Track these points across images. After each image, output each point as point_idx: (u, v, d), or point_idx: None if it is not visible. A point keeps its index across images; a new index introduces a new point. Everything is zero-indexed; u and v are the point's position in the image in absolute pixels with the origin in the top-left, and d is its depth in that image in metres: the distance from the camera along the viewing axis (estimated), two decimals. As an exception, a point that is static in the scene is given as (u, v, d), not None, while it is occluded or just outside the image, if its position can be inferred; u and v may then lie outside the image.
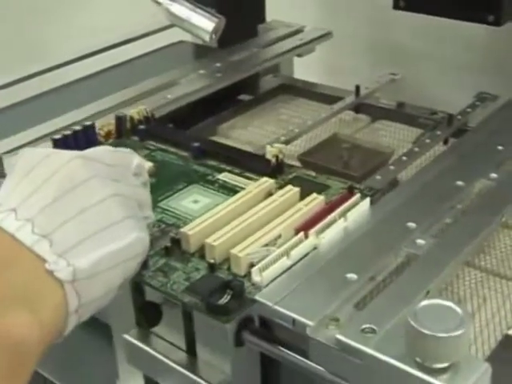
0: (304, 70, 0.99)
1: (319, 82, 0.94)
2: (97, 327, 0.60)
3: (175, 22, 0.80)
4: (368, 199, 0.58)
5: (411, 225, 0.54)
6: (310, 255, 0.52)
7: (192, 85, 0.82)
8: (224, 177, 0.64)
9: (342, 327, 0.45)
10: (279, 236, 0.53)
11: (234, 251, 0.51)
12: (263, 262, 0.50)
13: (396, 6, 0.74)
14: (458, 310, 0.41)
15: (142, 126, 0.72)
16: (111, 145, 0.70)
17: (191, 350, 0.53)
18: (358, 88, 0.81)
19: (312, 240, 0.53)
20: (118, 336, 0.57)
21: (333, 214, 0.55)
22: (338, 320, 0.45)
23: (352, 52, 1.12)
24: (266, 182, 0.60)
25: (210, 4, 0.92)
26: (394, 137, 0.79)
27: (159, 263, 0.53)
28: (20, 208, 0.43)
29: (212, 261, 0.52)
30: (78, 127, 0.68)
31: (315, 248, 0.53)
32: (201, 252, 0.53)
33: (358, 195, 0.58)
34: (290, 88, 0.92)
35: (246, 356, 0.50)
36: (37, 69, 0.88)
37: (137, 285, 0.54)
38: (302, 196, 0.58)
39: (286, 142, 0.73)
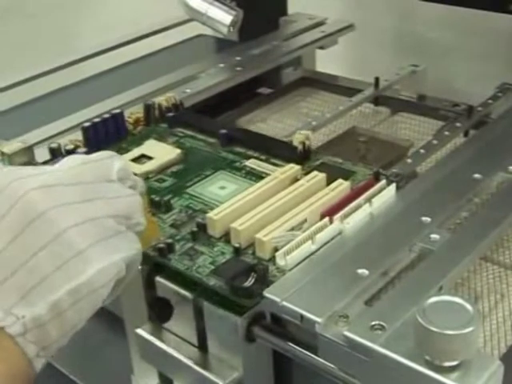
0: (327, 62, 0.98)
1: (342, 74, 0.93)
2: (112, 321, 0.60)
3: (193, 15, 0.80)
4: (394, 185, 0.58)
5: (426, 219, 0.53)
6: (334, 240, 0.53)
7: (212, 79, 0.82)
8: (251, 163, 0.65)
9: (351, 324, 0.44)
10: (305, 221, 0.54)
11: (258, 236, 0.52)
12: (287, 247, 0.51)
13: None
14: (468, 306, 0.40)
15: (170, 114, 0.73)
16: (140, 132, 0.72)
17: (203, 346, 0.53)
18: (377, 80, 0.79)
19: (337, 225, 0.53)
20: (131, 331, 0.57)
21: (358, 200, 0.55)
22: (347, 316, 0.45)
23: (376, 44, 1.11)
24: (293, 168, 0.61)
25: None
26: (414, 129, 0.78)
27: (185, 247, 0.54)
28: None
29: (237, 245, 0.53)
30: (107, 115, 0.69)
31: (340, 233, 0.53)
32: (226, 237, 0.54)
33: (383, 181, 0.58)
34: (310, 81, 0.91)
35: (257, 352, 0.50)
36: (59, 62, 0.89)
37: (149, 281, 0.54)
38: (328, 182, 0.58)
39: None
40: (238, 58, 0.86)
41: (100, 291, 0.42)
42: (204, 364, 0.52)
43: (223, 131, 0.68)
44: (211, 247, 0.54)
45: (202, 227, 0.55)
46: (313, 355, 0.46)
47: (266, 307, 0.48)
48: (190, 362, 0.52)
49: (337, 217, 0.53)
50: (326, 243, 0.52)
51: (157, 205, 0.59)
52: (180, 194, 0.61)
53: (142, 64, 0.93)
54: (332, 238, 0.52)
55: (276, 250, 0.51)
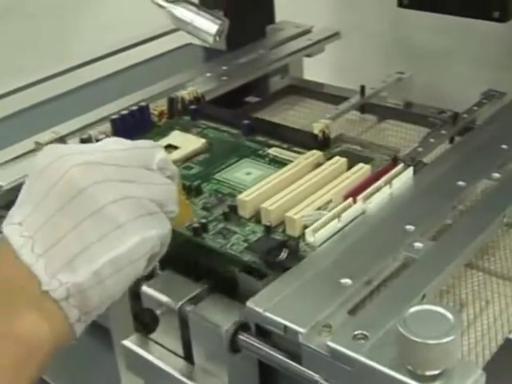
0: (316, 70, 0.98)
1: (331, 82, 0.93)
2: (100, 332, 0.61)
3: (179, 25, 0.80)
4: (411, 168, 0.61)
5: (410, 227, 0.53)
6: (358, 219, 0.56)
7: (199, 88, 0.81)
8: (274, 151, 0.68)
9: (334, 334, 0.44)
10: (329, 201, 0.57)
11: (289, 214, 0.55)
12: (316, 224, 0.54)
13: (400, 4, 0.74)
14: (449, 315, 0.40)
15: (193, 106, 0.76)
16: (164, 125, 0.75)
17: (188, 357, 0.53)
18: (362, 88, 0.80)
19: (360, 205, 0.56)
20: (118, 342, 0.57)
21: (379, 182, 0.59)
22: (330, 326, 0.45)
23: (363, 51, 1.11)
24: (315, 154, 0.64)
25: (219, 6, 0.92)
26: (401, 137, 0.78)
27: (218, 227, 0.57)
28: (25, 223, 0.44)
29: (268, 224, 0.56)
30: (134, 107, 0.73)
31: (363, 212, 0.56)
32: (256, 217, 0.57)
33: (401, 165, 0.61)
34: (297, 89, 0.92)
35: (242, 362, 0.50)
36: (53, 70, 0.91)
37: (134, 291, 0.54)
38: (348, 167, 0.62)
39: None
40: (225, 68, 0.86)
41: (137, 263, 0.45)
42: (190, 375, 0.52)
43: (246, 122, 0.72)
44: (242, 227, 0.57)
45: (233, 209, 0.58)
46: (297, 365, 0.46)
47: (249, 318, 0.48)
48: (175, 373, 0.52)
49: (360, 197, 0.57)
50: (350, 221, 0.55)
51: (187, 189, 0.61)
52: (208, 180, 0.64)
53: (128, 74, 0.93)
54: (356, 217, 0.56)
55: (305, 227, 0.54)
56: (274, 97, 0.90)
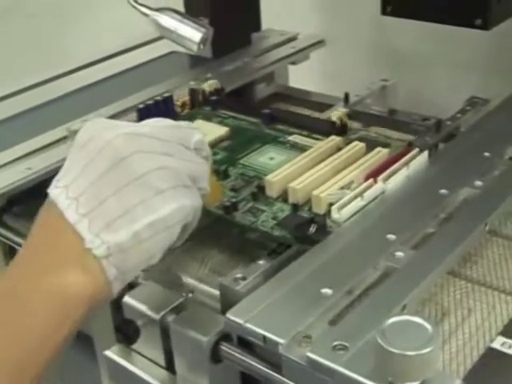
0: (301, 77, 0.98)
1: (316, 89, 0.93)
2: (82, 341, 0.60)
3: (163, 33, 0.80)
4: (426, 152, 0.65)
5: (391, 236, 0.54)
6: (378, 198, 0.60)
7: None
8: (294, 138, 0.71)
9: (313, 344, 0.44)
10: (352, 182, 0.61)
11: (315, 193, 0.59)
12: (341, 202, 0.58)
13: (384, 12, 0.73)
14: (427, 325, 0.40)
15: (213, 97, 0.80)
16: (187, 114, 0.78)
17: (170, 367, 0.53)
18: (346, 96, 0.80)
19: (381, 185, 0.60)
20: (101, 352, 0.57)
21: (397, 164, 0.62)
22: (310, 337, 0.45)
23: (349, 58, 1.12)
24: (335, 139, 0.68)
25: (204, 13, 0.92)
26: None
27: (247, 206, 0.61)
28: (70, 186, 0.47)
29: (295, 202, 0.59)
30: (158, 98, 0.77)
31: (383, 192, 0.60)
32: (283, 197, 0.61)
33: (416, 149, 0.64)
34: (283, 97, 0.92)
35: (224, 373, 0.50)
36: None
37: (116, 302, 0.54)
38: (367, 151, 0.66)
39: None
40: (210, 75, 0.86)
41: (173, 229, 0.48)
42: None
43: (266, 111, 0.76)
44: (270, 206, 0.61)
45: (261, 189, 0.62)
46: (278, 375, 0.46)
47: (229, 329, 0.48)
48: (157, 384, 0.52)
49: (380, 178, 0.60)
50: (372, 200, 0.59)
51: (215, 173, 0.63)
52: (234, 165, 0.67)
53: (113, 82, 0.93)
54: (376, 197, 0.60)
55: (330, 205, 0.57)
56: (260, 104, 0.90)
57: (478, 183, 0.60)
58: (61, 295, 0.44)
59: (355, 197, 0.58)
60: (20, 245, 0.65)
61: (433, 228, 0.56)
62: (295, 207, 0.59)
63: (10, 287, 0.46)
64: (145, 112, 0.76)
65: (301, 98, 0.90)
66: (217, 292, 0.54)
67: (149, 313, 0.52)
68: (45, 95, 0.89)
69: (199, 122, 0.75)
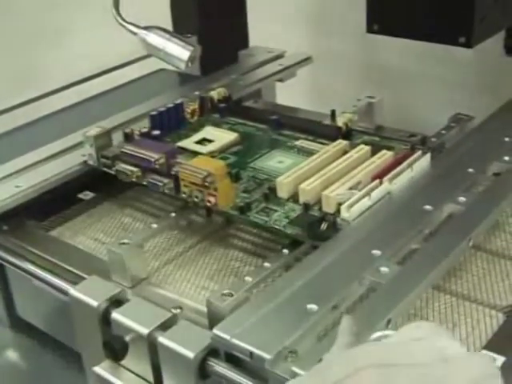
0: (287, 94, 0.99)
1: (303, 106, 0.94)
2: (71, 357, 0.62)
3: (152, 51, 0.81)
4: (429, 154, 0.68)
5: (376, 252, 0.54)
6: (385, 198, 0.62)
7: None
8: (301, 143, 0.75)
9: (300, 359, 0.45)
10: (359, 182, 0.64)
11: (325, 192, 0.62)
12: (350, 201, 0.60)
13: (370, 30, 0.74)
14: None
15: (222, 105, 0.83)
16: (196, 121, 0.81)
17: (159, 383, 0.53)
18: (333, 112, 0.81)
19: (387, 185, 0.63)
20: (90, 367, 0.57)
21: (401, 166, 0.65)
22: (296, 352, 0.45)
23: (337, 75, 1.13)
24: (342, 143, 0.71)
25: (192, 31, 0.93)
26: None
27: (260, 206, 0.64)
28: None
29: (307, 202, 0.62)
30: (170, 105, 0.80)
31: (389, 193, 0.63)
32: (294, 197, 0.64)
33: (419, 152, 0.67)
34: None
35: None
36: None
37: (105, 318, 0.54)
38: (372, 154, 0.69)
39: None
40: (197, 93, 0.87)
41: None
42: None
43: (274, 117, 0.79)
44: (282, 206, 0.64)
45: (272, 190, 0.65)
46: None
47: (216, 344, 0.48)
48: (146, 400, 0.53)
49: (386, 179, 0.63)
50: (379, 200, 0.62)
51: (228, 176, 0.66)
52: (245, 168, 0.71)
53: (102, 99, 0.95)
54: (383, 197, 0.62)
55: (339, 204, 0.60)
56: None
57: (462, 199, 0.61)
58: None
59: (363, 196, 0.61)
60: (9, 262, 0.65)
61: (417, 243, 0.57)
62: (306, 207, 0.62)
63: None
64: (158, 118, 0.78)
65: (287, 114, 0.91)
66: (204, 308, 0.54)
67: (137, 328, 0.52)
68: (37, 112, 0.90)
69: (209, 129, 0.78)
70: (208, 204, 0.63)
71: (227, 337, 0.47)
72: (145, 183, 0.68)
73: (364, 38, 0.76)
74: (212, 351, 0.49)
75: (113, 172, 0.71)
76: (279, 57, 0.98)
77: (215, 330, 0.48)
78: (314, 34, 1.15)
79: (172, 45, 0.79)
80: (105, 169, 0.72)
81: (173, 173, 0.66)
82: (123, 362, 0.55)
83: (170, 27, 0.93)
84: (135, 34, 0.80)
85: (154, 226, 0.65)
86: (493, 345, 0.49)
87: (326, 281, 0.52)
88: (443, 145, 0.74)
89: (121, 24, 0.80)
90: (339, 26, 1.10)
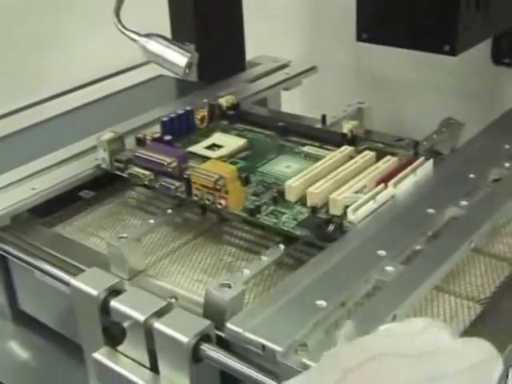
0: (283, 101, 1.02)
1: (298, 112, 0.95)
2: (71, 349, 0.65)
3: (151, 58, 0.84)
4: (431, 160, 0.70)
5: (382, 252, 0.56)
6: (389, 202, 0.65)
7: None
8: (308, 149, 0.77)
9: (309, 352, 0.47)
10: (364, 186, 0.66)
11: (332, 196, 0.64)
12: (356, 204, 0.62)
13: (359, 38, 0.76)
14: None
15: (231, 112, 0.85)
16: (205, 128, 0.83)
17: (154, 367, 0.56)
18: (324, 117, 0.84)
19: (391, 189, 0.65)
20: (89, 355, 0.59)
21: (405, 171, 0.68)
22: (306, 345, 0.47)
23: (338, 84, 1.15)
24: (347, 149, 0.73)
25: (191, 39, 0.96)
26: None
27: (269, 209, 0.66)
28: None
29: (314, 204, 0.64)
30: (181, 111, 0.82)
31: (393, 196, 0.65)
32: (301, 201, 0.66)
33: (422, 157, 0.70)
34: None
35: (205, 373, 0.53)
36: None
37: (104, 305, 0.57)
38: (376, 160, 0.71)
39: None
40: (206, 100, 0.88)
41: None
42: None
43: (281, 124, 0.81)
44: (290, 209, 0.66)
45: (281, 194, 0.67)
46: (253, 371, 0.49)
47: (229, 337, 0.50)
48: (142, 383, 0.55)
49: (391, 183, 0.66)
50: (384, 203, 0.64)
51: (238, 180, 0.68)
52: (253, 172, 0.73)
53: (104, 104, 0.97)
54: (387, 200, 0.65)
55: (346, 207, 0.62)
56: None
57: (464, 203, 0.63)
58: None
59: (368, 200, 0.63)
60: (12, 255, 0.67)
61: (421, 245, 0.59)
62: (314, 209, 0.64)
63: None
64: (169, 124, 0.80)
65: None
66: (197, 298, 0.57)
67: (134, 315, 0.55)
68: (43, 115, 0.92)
69: (218, 135, 0.81)
70: (219, 206, 0.65)
71: (240, 330, 0.49)
72: (157, 186, 0.70)
73: (358, 46, 0.77)
74: (204, 336, 0.51)
75: (125, 175, 0.73)
76: (284, 66, 1.01)
77: (228, 324, 0.50)
78: (310, 43, 1.17)
79: (170, 51, 0.82)
80: (118, 172, 0.74)
81: (185, 176, 0.68)
82: (121, 348, 0.57)
83: (169, 36, 0.96)
84: (135, 41, 0.83)
85: (151, 221, 0.67)
86: (469, 333, 0.52)
87: (334, 279, 0.54)
88: (433, 148, 0.77)
89: (122, 31, 0.83)
90: (334, 35, 1.12)
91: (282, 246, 0.61)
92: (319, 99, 1.14)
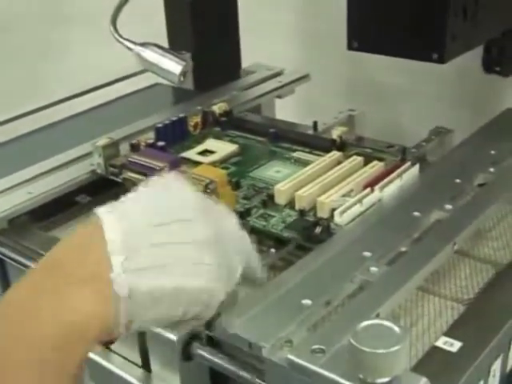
0: (277, 108, 1.03)
1: (291, 119, 0.97)
2: None
3: (146, 66, 0.86)
4: (417, 165, 0.72)
5: (367, 254, 0.58)
6: (376, 205, 0.66)
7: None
8: (298, 155, 0.80)
9: (294, 348, 0.48)
10: (351, 190, 0.68)
11: (320, 199, 0.66)
12: (342, 207, 0.64)
13: (350, 47, 0.78)
14: (396, 328, 0.44)
15: (223, 118, 0.88)
16: (199, 134, 0.85)
17: (146, 366, 0.57)
18: (315, 124, 0.87)
19: (377, 193, 0.67)
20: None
21: (392, 175, 0.69)
22: (291, 342, 0.49)
23: (331, 91, 1.16)
24: (336, 154, 0.76)
25: (187, 48, 0.97)
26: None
27: (259, 212, 0.68)
28: (125, 218, 0.46)
29: (302, 208, 0.66)
30: (174, 118, 0.84)
31: (379, 200, 0.67)
32: (290, 204, 0.69)
33: (409, 163, 0.72)
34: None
35: (194, 370, 0.54)
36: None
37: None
38: (364, 164, 0.73)
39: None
40: (200, 108, 0.90)
41: (195, 308, 0.48)
42: (147, 382, 0.57)
43: (272, 130, 0.84)
44: (279, 212, 0.68)
45: (271, 197, 0.70)
46: (240, 370, 0.51)
47: (218, 335, 0.52)
48: (134, 381, 0.57)
49: (377, 187, 0.67)
50: (370, 206, 0.66)
51: (228, 183, 0.71)
52: (244, 177, 0.75)
53: (101, 111, 1.00)
54: (374, 204, 0.66)
55: (333, 210, 0.64)
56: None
57: (449, 207, 0.64)
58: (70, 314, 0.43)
59: (355, 203, 0.65)
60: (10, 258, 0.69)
61: (405, 247, 0.60)
62: (302, 212, 0.66)
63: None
64: (162, 130, 0.83)
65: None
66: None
67: None
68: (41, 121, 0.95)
69: (211, 141, 0.83)
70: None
71: (228, 329, 0.50)
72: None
73: (350, 54, 0.79)
74: (195, 335, 0.53)
75: (120, 180, 0.74)
76: (278, 74, 1.03)
77: (217, 323, 0.51)
78: (303, 51, 1.19)
79: (165, 60, 0.84)
80: (112, 177, 0.76)
81: (177, 180, 0.70)
82: (113, 347, 0.59)
83: (166, 45, 0.98)
84: (131, 49, 0.85)
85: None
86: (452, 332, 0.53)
87: (320, 279, 0.55)
88: (422, 155, 0.78)
89: (118, 40, 0.85)
90: (326, 44, 1.14)
91: (273, 251, 0.63)
92: (312, 106, 1.16)
